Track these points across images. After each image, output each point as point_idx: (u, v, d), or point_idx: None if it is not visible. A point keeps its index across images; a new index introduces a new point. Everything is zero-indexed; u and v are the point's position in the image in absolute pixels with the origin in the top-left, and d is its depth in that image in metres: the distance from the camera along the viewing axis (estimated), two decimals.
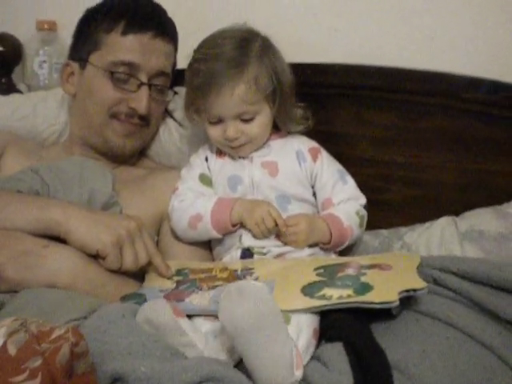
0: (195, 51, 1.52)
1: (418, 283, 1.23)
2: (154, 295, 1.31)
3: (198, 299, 1.28)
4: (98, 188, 1.49)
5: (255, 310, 1.06)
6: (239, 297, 1.07)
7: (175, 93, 1.69)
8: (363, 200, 1.56)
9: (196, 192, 1.54)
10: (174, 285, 1.36)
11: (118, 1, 1.67)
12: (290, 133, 1.59)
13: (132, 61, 1.59)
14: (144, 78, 1.60)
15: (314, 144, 1.59)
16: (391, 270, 1.31)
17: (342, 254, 1.58)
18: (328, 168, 1.55)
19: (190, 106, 1.54)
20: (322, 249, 1.50)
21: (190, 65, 1.51)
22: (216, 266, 1.43)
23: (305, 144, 1.57)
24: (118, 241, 1.32)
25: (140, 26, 1.60)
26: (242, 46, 1.48)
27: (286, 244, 1.46)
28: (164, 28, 1.65)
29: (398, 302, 1.17)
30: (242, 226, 1.48)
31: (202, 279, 1.37)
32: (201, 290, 1.32)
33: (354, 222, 1.52)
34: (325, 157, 1.57)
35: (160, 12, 1.68)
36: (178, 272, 1.41)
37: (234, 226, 1.48)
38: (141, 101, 1.59)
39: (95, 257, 1.33)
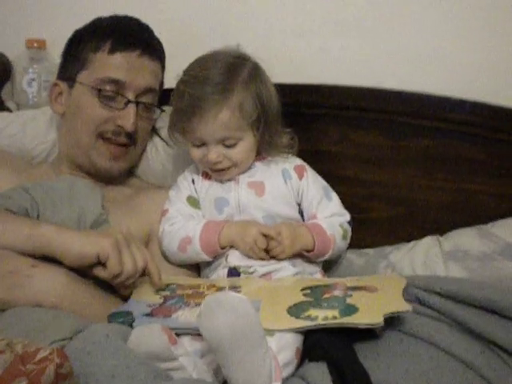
0: (184, 72, 1.53)
1: (403, 306, 1.24)
2: (142, 310, 1.31)
3: (184, 315, 1.28)
4: (88, 206, 1.49)
5: (234, 323, 1.06)
6: (218, 309, 1.07)
7: (162, 110, 1.70)
8: (347, 216, 1.58)
9: (185, 214, 1.55)
10: (162, 300, 1.36)
11: (105, 21, 1.69)
12: None
13: (119, 78, 1.60)
14: (131, 96, 1.61)
15: (298, 161, 1.60)
16: (377, 292, 1.32)
17: (327, 273, 1.60)
18: (313, 185, 1.57)
19: (174, 126, 1.55)
20: (308, 261, 1.51)
21: (177, 86, 1.52)
22: (203, 283, 1.44)
23: (290, 162, 1.59)
24: (117, 243, 1.32)
25: (127, 44, 1.62)
26: (230, 72, 1.48)
27: (274, 257, 1.47)
28: (151, 46, 1.66)
29: (382, 323, 1.19)
30: (231, 247, 1.49)
31: (190, 295, 1.37)
32: (188, 306, 1.32)
33: (337, 232, 1.53)
34: (310, 174, 1.58)
35: (147, 31, 1.70)
36: (166, 287, 1.42)
37: (223, 248, 1.49)
38: (128, 118, 1.60)
39: (93, 267, 1.32)
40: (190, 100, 1.46)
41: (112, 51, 1.61)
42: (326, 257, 1.53)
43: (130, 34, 1.64)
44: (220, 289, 1.39)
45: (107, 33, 1.63)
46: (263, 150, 1.56)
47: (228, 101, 1.46)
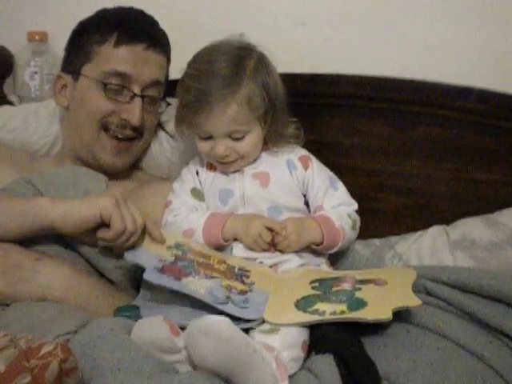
0: (188, 65, 1.51)
1: (413, 301, 1.23)
2: (153, 263, 1.31)
3: (194, 284, 1.28)
4: (93, 189, 1.49)
5: (220, 350, 1.07)
6: (201, 338, 1.07)
7: (168, 104, 1.69)
8: (355, 206, 1.56)
9: (189, 206, 1.54)
10: (173, 258, 1.36)
11: (110, 13, 1.67)
12: None
13: (124, 71, 1.59)
14: (137, 90, 1.60)
15: (303, 152, 1.58)
16: (387, 286, 1.31)
17: (334, 264, 1.58)
18: (319, 175, 1.55)
19: (180, 120, 1.53)
20: (314, 252, 1.50)
21: (182, 80, 1.50)
22: (215, 255, 1.43)
23: (295, 153, 1.57)
24: (116, 201, 1.32)
25: (132, 37, 1.60)
26: (236, 64, 1.46)
27: (281, 251, 1.46)
28: (156, 39, 1.64)
29: (391, 317, 1.18)
30: (235, 239, 1.48)
31: (200, 264, 1.37)
32: (198, 275, 1.32)
33: (346, 223, 1.51)
34: (315, 165, 1.57)
35: (152, 23, 1.68)
36: (177, 245, 1.41)
37: (226, 241, 1.47)
38: (133, 112, 1.59)
39: (95, 230, 1.33)
40: (196, 95, 1.44)
41: (117, 44, 1.60)
42: (336, 249, 1.51)
43: (135, 27, 1.63)
44: (230, 267, 1.38)
45: (112, 25, 1.62)
46: (270, 141, 1.54)
47: (236, 95, 1.44)
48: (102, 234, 1.33)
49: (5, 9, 2.07)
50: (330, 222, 1.49)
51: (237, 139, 1.48)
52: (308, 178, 1.54)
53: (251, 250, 1.46)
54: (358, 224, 1.56)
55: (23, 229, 1.33)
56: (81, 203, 1.34)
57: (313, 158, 1.58)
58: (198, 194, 1.56)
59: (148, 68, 1.61)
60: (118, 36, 1.60)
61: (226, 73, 1.45)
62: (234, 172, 1.53)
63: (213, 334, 1.07)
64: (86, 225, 1.32)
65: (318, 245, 1.48)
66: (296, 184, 1.54)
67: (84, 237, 1.35)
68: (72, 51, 1.68)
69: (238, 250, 1.47)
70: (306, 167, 1.55)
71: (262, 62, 1.51)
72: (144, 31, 1.63)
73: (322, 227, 1.47)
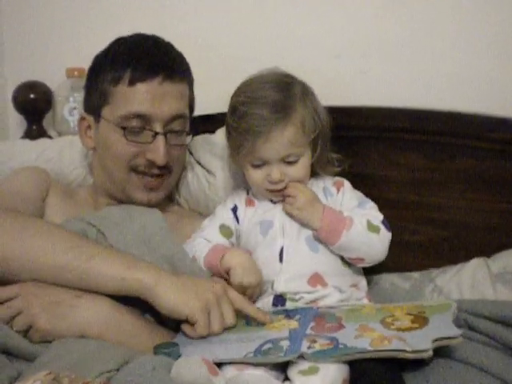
0: (237, 94, 1.52)
1: (453, 331, 1.22)
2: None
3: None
4: (149, 219, 1.50)
5: None
6: None
7: (193, 136, 1.66)
8: (380, 217, 1.52)
9: (211, 240, 1.54)
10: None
11: (122, 48, 1.62)
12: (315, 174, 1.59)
13: (143, 112, 1.54)
14: (158, 127, 1.55)
15: (338, 178, 1.60)
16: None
17: (373, 297, 1.57)
18: (349, 196, 1.56)
19: (237, 149, 1.51)
20: (354, 286, 1.50)
21: (235, 108, 1.50)
22: None
23: (329, 180, 1.59)
24: (206, 305, 1.30)
25: (146, 72, 1.55)
26: (284, 90, 1.49)
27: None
28: (172, 69, 1.58)
29: (431, 353, 1.16)
30: None
31: None
32: None
33: (360, 221, 1.47)
34: (346, 187, 1.57)
35: (166, 52, 1.62)
36: None
37: (225, 270, 1.46)
38: (157, 151, 1.55)
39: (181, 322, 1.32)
40: (253, 121, 1.46)
41: (132, 83, 1.55)
42: (342, 238, 1.45)
43: (148, 61, 1.57)
44: None
45: (125, 62, 1.56)
46: (318, 167, 1.56)
47: (291, 118, 1.47)
48: (185, 329, 1.31)
49: (44, 46, 2.12)
50: (339, 212, 1.49)
51: (290, 163, 1.49)
52: (339, 199, 1.55)
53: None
54: (382, 231, 1.49)
55: (116, 291, 1.33)
56: (176, 294, 1.31)
57: (346, 183, 1.58)
58: (225, 230, 1.56)
59: (167, 103, 1.56)
60: (132, 73, 1.55)
61: (278, 98, 1.47)
62: (274, 203, 1.54)
63: None
64: (174, 316, 1.32)
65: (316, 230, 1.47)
66: None
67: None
68: (90, 91, 1.64)
69: (280, 285, 1.46)
70: (338, 191, 1.56)
71: (306, 87, 1.55)
72: (158, 63, 1.57)
73: (325, 212, 1.47)
